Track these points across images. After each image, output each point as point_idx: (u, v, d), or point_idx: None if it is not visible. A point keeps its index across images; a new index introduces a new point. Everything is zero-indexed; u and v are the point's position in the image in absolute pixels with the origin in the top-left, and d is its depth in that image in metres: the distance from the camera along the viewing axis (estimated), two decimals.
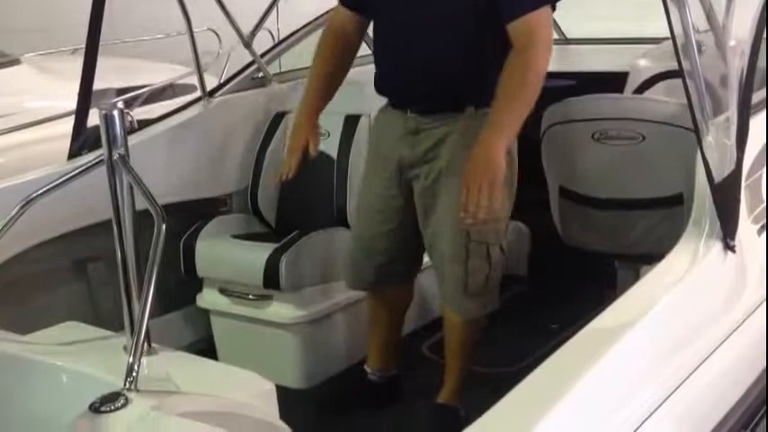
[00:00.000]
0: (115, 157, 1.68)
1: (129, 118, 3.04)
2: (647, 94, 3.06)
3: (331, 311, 2.84)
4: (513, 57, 2.14)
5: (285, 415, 1.67)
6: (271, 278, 2.71)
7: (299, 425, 1.74)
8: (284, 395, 1.73)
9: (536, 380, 1.29)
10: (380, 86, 2.43)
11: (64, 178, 1.78)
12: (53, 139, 3.47)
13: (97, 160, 1.73)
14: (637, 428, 1.34)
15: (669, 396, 1.45)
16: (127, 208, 1.71)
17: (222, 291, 2.89)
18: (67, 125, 2.80)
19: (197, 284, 2.96)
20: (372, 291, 2.63)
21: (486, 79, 2.18)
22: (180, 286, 2.91)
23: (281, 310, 2.79)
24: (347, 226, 2.87)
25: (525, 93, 2.14)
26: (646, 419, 1.37)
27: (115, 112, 1.67)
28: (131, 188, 1.68)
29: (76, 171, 1.77)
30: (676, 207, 2.51)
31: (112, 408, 1.39)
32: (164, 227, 1.61)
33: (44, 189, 1.78)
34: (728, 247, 1.78)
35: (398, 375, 2.73)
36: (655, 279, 1.68)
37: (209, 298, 2.94)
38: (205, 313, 2.97)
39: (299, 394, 2.77)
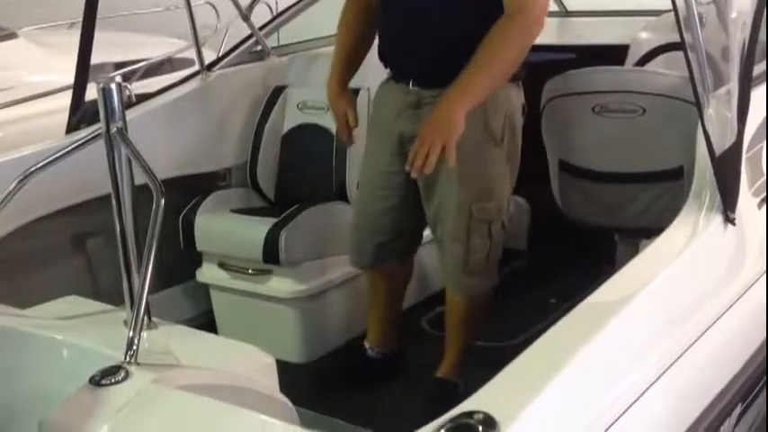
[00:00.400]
0: (113, 130, 1.67)
1: (128, 92, 3.03)
2: (647, 66, 3.05)
3: (330, 286, 2.84)
4: (500, 21, 2.11)
5: (285, 388, 1.68)
6: (270, 253, 2.71)
7: (298, 398, 1.75)
8: (284, 369, 1.73)
9: (534, 353, 1.29)
10: (383, 55, 2.41)
11: (61, 152, 1.77)
12: (51, 113, 3.46)
13: (95, 134, 1.72)
14: (636, 400, 1.34)
15: (668, 368, 1.46)
16: (125, 182, 1.70)
17: (221, 265, 2.89)
18: (65, 99, 2.79)
19: (196, 259, 2.96)
20: (372, 269, 2.62)
21: None
22: (179, 261, 2.91)
23: (280, 284, 2.79)
24: (347, 200, 2.87)
25: (502, 59, 2.12)
26: (645, 391, 1.37)
27: (113, 86, 1.66)
28: (130, 162, 1.68)
29: (74, 145, 1.76)
30: (677, 180, 2.50)
31: (113, 381, 1.39)
32: (162, 201, 1.61)
33: (42, 163, 1.77)
34: (729, 219, 1.78)
35: (398, 352, 2.73)
36: (654, 252, 1.68)
37: (208, 273, 2.94)
38: (205, 288, 2.98)
39: (298, 368, 2.78)
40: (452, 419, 1.14)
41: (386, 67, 2.44)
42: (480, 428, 1.10)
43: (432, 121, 2.13)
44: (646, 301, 1.48)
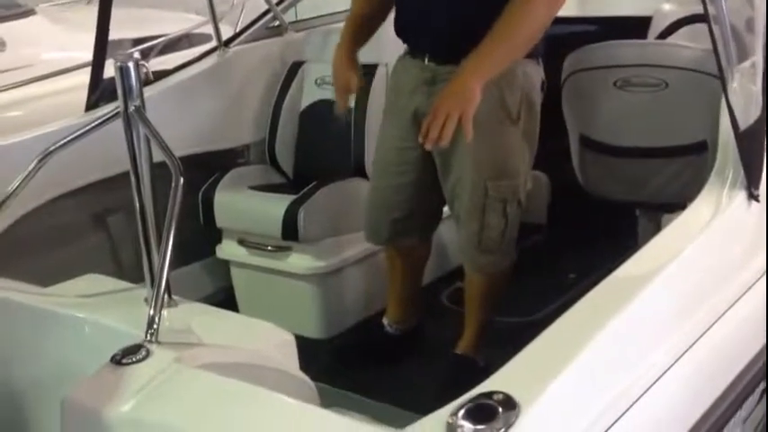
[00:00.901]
0: (131, 109, 1.67)
1: (145, 69, 3.03)
2: (670, 39, 3.00)
3: (349, 262, 2.84)
4: None
5: (304, 365, 1.68)
6: (289, 230, 2.71)
7: (317, 374, 1.75)
8: (303, 345, 1.74)
9: (555, 333, 1.28)
10: (399, 29, 2.39)
11: (80, 131, 1.77)
12: (71, 91, 3.46)
13: (114, 113, 1.72)
14: (657, 379, 1.33)
15: (692, 345, 1.44)
16: (144, 160, 1.70)
17: (241, 242, 2.90)
18: (85, 76, 2.79)
19: (216, 236, 2.97)
20: (389, 245, 2.61)
21: None
22: (199, 237, 2.92)
23: (299, 261, 2.79)
24: (365, 176, 2.86)
25: (523, 31, 2.09)
26: (667, 370, 1.36)
27: (130, 64, 1.66)
28: (148, 140, 1.68)
29: (93, 124, 1.76)
30: (699, 155, 2.47)
31: (134, 360, 1.40)
32: (181, 180, 1.61)
33: (61, 143, 1.78)
34: (752, 196, 1.75)
35: (417, 328, 2.73)
36: (677, 229, 1.66)
37: (228, 249, 2.95)
38: (225, 264, 2.99)
39: (317, 344, 2.80)
40: (472, 400, 1.13)
41: (403, 42, 2.42)
42: (500, 409, 1.10)
43: (448, 91, 2.09)
44: (668, 279, 1.46)
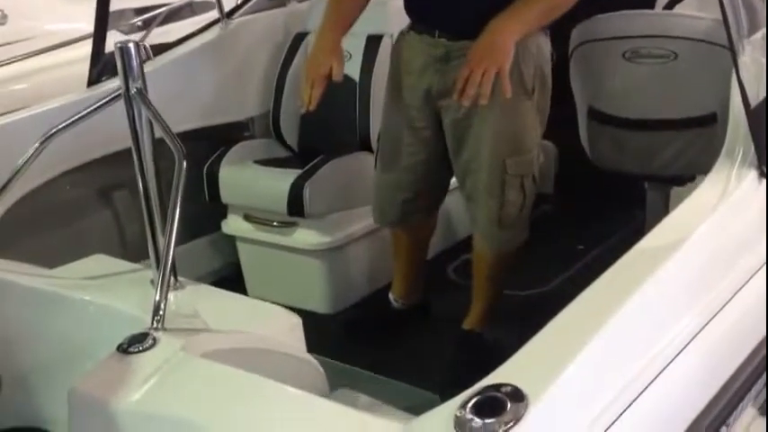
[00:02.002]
0: (133, 91, 1.65)
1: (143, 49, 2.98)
2: (678, 9, 2.94)
3: (355, 237, 2.83)
4: None
5: (311, 339, 1.68)
6: (295, 205, 2.70)
7: (324, 349, 1.74)
8: (310, 320, 1.74)
9: (562, 322, 1.26)
10: (408, 3, 2.32)
11: (81, 114, 1.76)
12: (76, 63, 3.42)
13: (115, 94, 1.71)
14: (669, 363, 1.32)
15: (706, 325, 1.43)
16: (147, 142, 1.69)
17: (247, 217, 2.89)
18: (88, 47, 2.75)
19: (222, 211, 2.95)
20: (395, 227, 2.58)
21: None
22: (205, 212, 2.91)
23: (305, 236, 2.78)
24: (370, 149, 2.84)
25: None
26: (679, 353, 1.35)
27: (131, 45, 1.64)
28: (150, 121, 1.66)
29: (94, 107, 1.75)
30: (709, 127, 2.44)
31: (141, 348, 1.39)
32: (185, 164, 1.59)
33: (62, 125, 1.76)
34: (764, 174, 1.73)
35: (423, 302, 2.72)
36: (687, 209, 1.63)
37: (233, 224, 2.94)
38: (231, 239, 2.98)
39: (324, 319, 2.80)
40: (480, 392, 1.12)
41: (411, 18, 2.35)
42: (508, 402, 1.09)
43: (482, 45, 2.02)
44: (679, 262, 1.44)
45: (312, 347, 1.69)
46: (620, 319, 1.26)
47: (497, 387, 1.11)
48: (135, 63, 1.64)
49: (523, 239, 2.38)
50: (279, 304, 1.73)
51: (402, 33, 2.39)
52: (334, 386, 1.66)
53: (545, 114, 2.29)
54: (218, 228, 2.97)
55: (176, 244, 1.55)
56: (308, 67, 2.29)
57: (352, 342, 2.64)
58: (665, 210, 2.82)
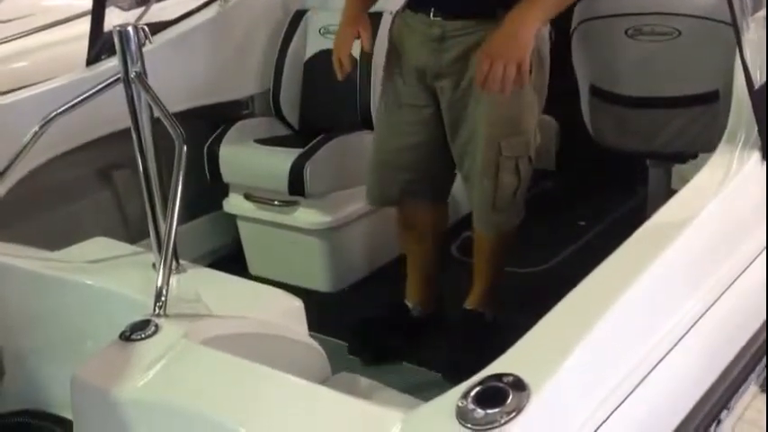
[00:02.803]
0: (132, 75, 1.64)
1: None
2: None
3: (356, 216, 2.82)
4: None
5: (311, 319, 1.68)
6: (295, 185, 2.70)
7: (326, 329, 1.73)
8: (312, 299, 1.74)
9: (564, 311, 1.26)
10: None
11: (81, 98, 1.75)
12: (75, 40, 3.39)
13: (114, 78, 1.70)
14: (672, 348, 1.32)
15: (710, 308, 1.43)
16: (146, 126, 1.68)
17: (247, 196, 2.89)
18: (87, 24, 2.72)
19: (223, 189, 2.95)
20: (399, 212, 2.52)
21: None
22: (206, 191, 2.90)
23: (306, 215, 2.78)
24: (371, 127, 2.82)
25: None
26: (681, 338, 1.35)
27: (129, 29, 1.63)
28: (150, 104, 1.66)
29: (93, 91, 1.74)
30: (711, 105, 2.42)
31: (143, 336, 1.39)
32: (185, 149, 1.59)
33: (61, 109, 1.75)
34: (766, 156, 1.72)
35: (439, 310, 2.62)
36: (690, 192, 1.62)
37: (234, 203, 2.93)
38: (232, 218, 2.98)
39: (325, 298, 2.80)
40: (482, 382, 1.12)
41: None
42: (510, 392, 1.09)
43: (502, 36, 2.00)
44: (682, 246, 1.43)
45: (313, 326, 1.69)
46: (623, 307, 1.26)
47: (499, 377, 1.12)
48: (134, 47, 1.64)
49: (517, 222, 2.36)
50: (280, 283, 1.73)
51: (398, 12, 2.37)
52: (336, 366, 1.66)
53: (543, 95, 2.27)
54: (219, 207, 2.97)
55: (177, 224, 1.55)
56: (335, 41, 2.35)
57: (353, 320, 2.61)
58: (667, 186, 2.82)
